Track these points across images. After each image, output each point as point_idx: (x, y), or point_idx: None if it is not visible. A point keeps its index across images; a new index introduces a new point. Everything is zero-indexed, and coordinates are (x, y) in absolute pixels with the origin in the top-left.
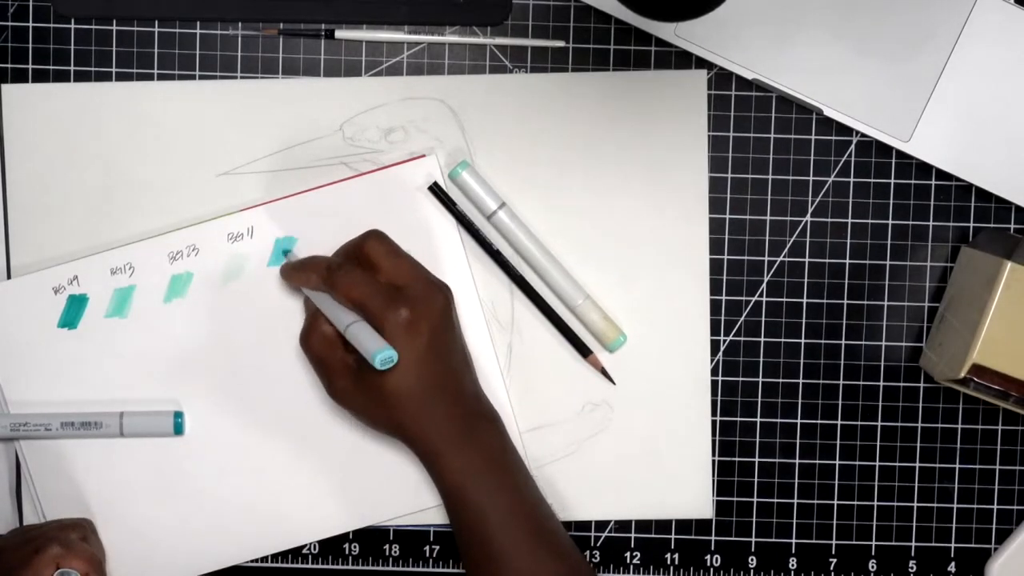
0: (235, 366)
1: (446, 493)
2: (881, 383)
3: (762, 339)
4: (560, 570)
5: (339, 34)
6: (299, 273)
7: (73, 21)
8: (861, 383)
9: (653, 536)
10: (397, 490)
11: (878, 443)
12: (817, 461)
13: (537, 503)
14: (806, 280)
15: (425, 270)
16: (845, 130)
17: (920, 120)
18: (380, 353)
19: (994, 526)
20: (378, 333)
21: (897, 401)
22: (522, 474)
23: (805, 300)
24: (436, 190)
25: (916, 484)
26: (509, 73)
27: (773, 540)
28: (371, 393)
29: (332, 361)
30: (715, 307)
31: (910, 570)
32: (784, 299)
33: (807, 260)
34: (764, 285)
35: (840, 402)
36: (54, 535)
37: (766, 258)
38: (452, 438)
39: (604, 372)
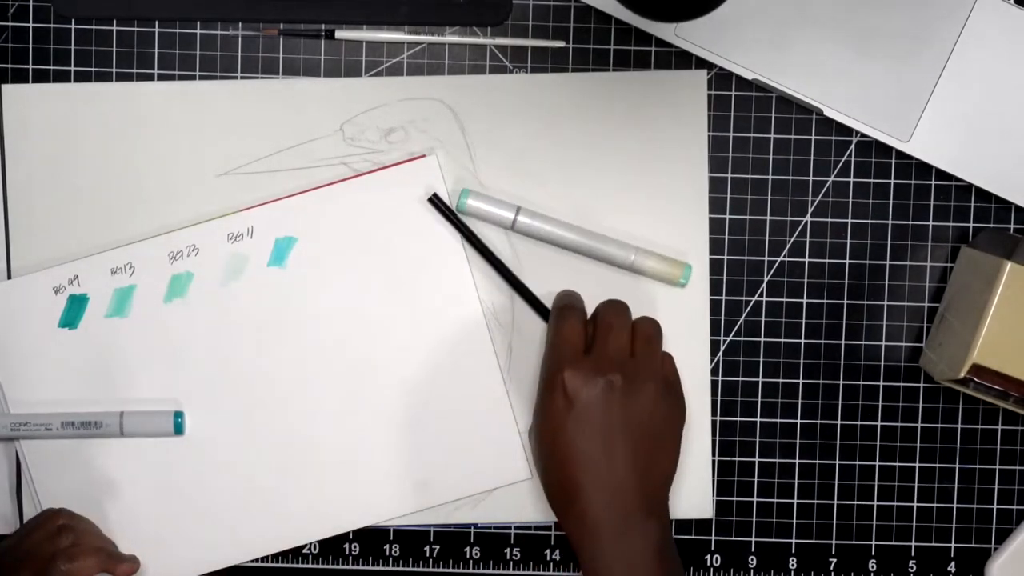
0: (235, 366)
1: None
2: (881, 383)
3: (762, 339)
4: None
5: (339, 34)
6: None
7: (73, 21)
8: (861, 383)
9: None
10: (397, 490)
11: (878, 443)
12: (817, 461)
13: None
14: (806, 280)
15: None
16: (845, 130)
17: (920, 120)
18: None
19: (994, 526)
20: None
21: (897, 401)
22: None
23: (805, 300)
24: (436, 201)
25: (916, 484)
26: (509, 73)
27: (773, 540)
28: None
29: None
30: (715, 307)
31: (910, 570)
32: (784, 299)
33: (807, 260)
34: (764, 285)
35: (840, 402)
36: (50, 552)
37: (766, 258)
38: (641, 563)
39: None
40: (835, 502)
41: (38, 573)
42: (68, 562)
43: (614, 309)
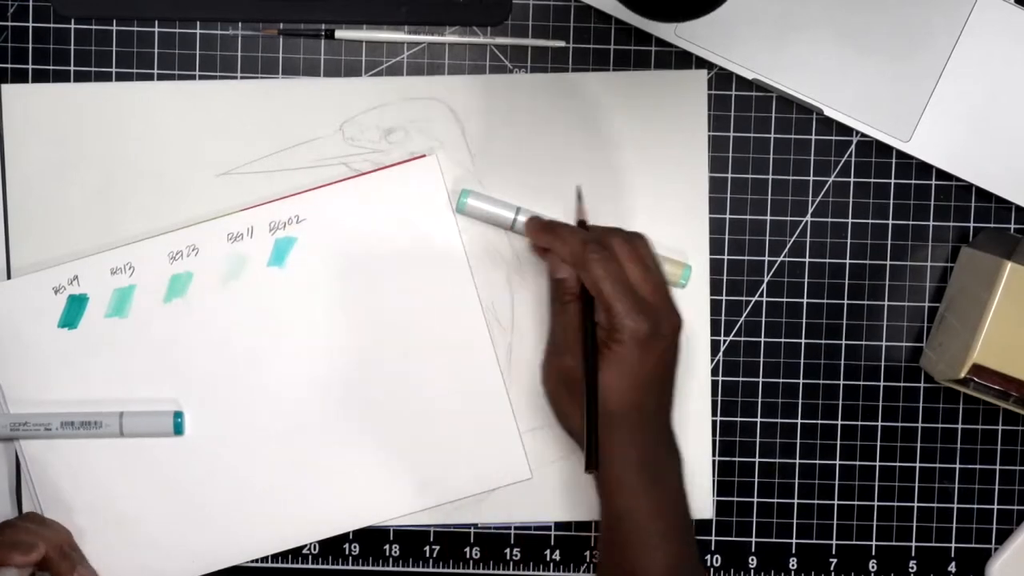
0: (235, 366)
1: (608, 518)
2: (881, 383)
3: (762, 339)
4: None
5: (339, 34)
6: (550, 236)
7: (73, 21)
8: (861, 383)
9: None
10: (397, 490)
11: (878, 443)
12: (817, 461)
13: (696, 562)
14: (806, 280)
15: (670, 292)
16: (845, 130)
17: (920, 120)
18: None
19: (994, 526)
20: (612, 336)
21: (897, 401)
22: (687, 526)
23: (805, 300)
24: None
25: (916, 484)
26: (509, 73)
27: (773, 540)
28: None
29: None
30: (715, 307)
31: (910, 570)
32: (784, 299)
33: (807, 260)
34: (764, 285)
35: (840, 402)
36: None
37: (766, 258)
38: (633, 468)
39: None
40: (835, 502)
41: None
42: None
43: (598, 254)
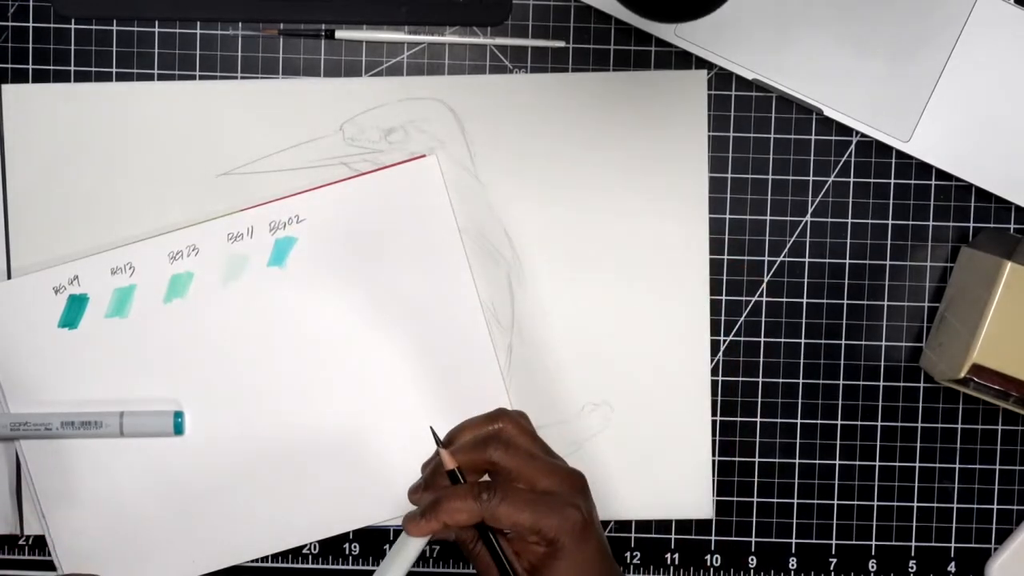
0: (235, 366)
1: None
2: (881, 383)
3: (762, 339)
4: None
5: (339, 34)
6: (440, 517)
7: (73, 21)
8: (861, 383)
9: (653, 536)
10: (397, 490)
11: (878, 443)
12: (817, 461)
13: None
14: (806, 280)
15: (559, 461)
16: (845, 130)
17: (920, 120)
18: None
19: (994, 526)
20: (554, 545)
21: (897, 401)
22: None
23: (805, 300)
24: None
25: (916, 484)
26: (509, 73)
27: (773, 540)
28: None
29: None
30: (715, 307)
31: (910, 570)
32: (784, 299)
33: (807, 260)
34: (764, 285)
35: (840, 402)
36: None
37: (766, 258)
38: None
39: None
40: (835, 502)
41: None
42: None
43: (497, 496)
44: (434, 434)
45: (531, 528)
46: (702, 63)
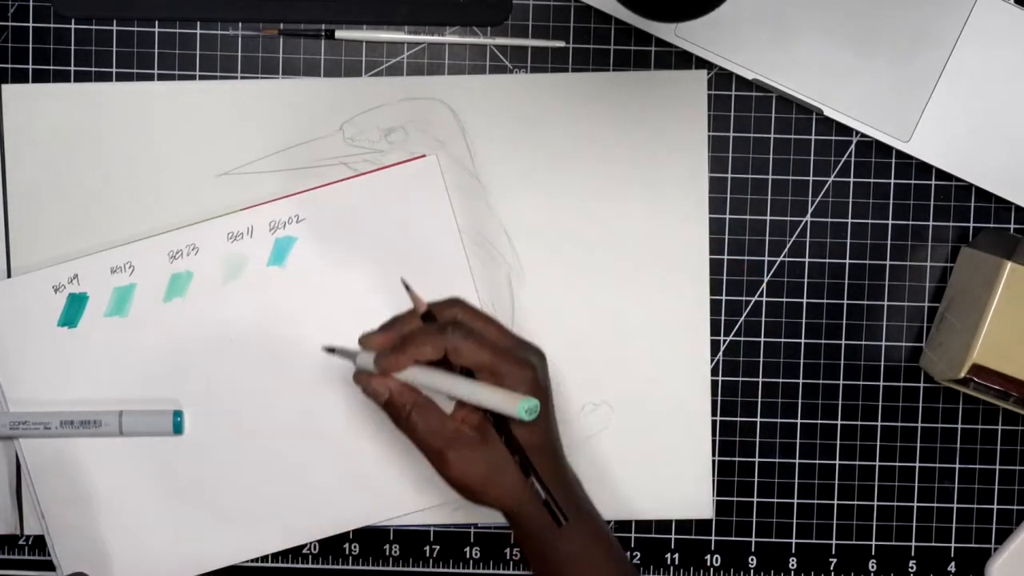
0: (235, 365)
1: (567, 557)
2: (881, 383)
3: (762, 339)
4: None
5: (339, 34)
6: (403, 353)
7: (73, 21)
8: (861, 383)
9: (653, 536)
10: (397, 490)
11: (878, 443)
12: (817, 461)
13: (623, 556)
14: (806, 280)
15: (514, 333)
16: (845, 130)
17: (920, 120)
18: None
19: (994, 526)
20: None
21: (897, 401)
22: (617, 552)
23: (805, 300)
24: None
25: (916, 484)
26: (509, 73)
27: (773, 540)
28: (495, 458)
29: (444, 434)
30: (715, 307)
31: (910, 570)
32: (784, 299)
33: (807, 260)
34: (764, 285)
35: (840, 402)
36: None
37: (766, 258)
38: (570, 503)
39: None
40: (835, 502)
41: None
42: None
43: (458, 333)
44: (404, 283)
45: (489, 368)
46: (702, 63)
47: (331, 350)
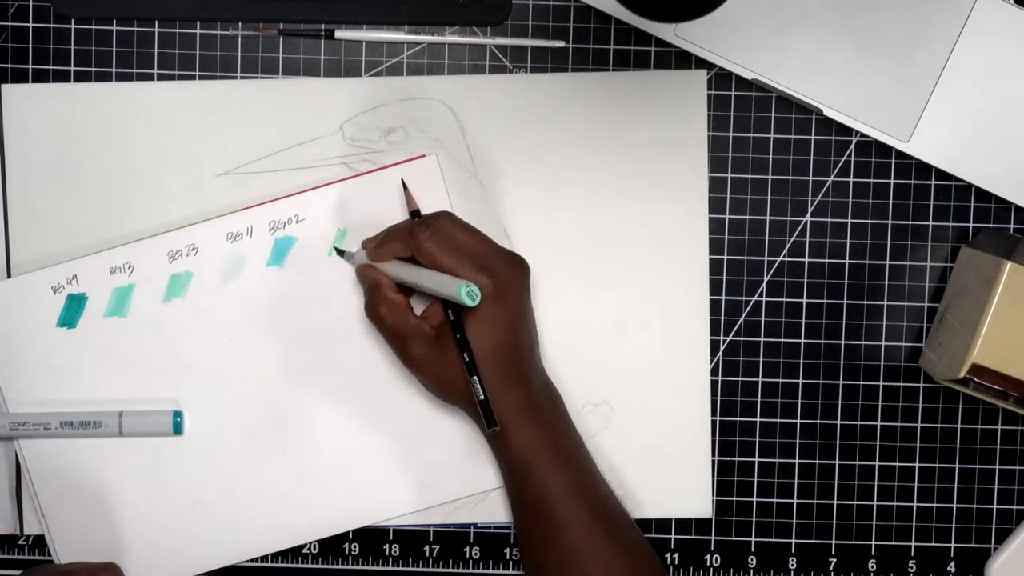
0: (234, 366)
1: (509, 467)
2: (881, 383)
3: (762, 339)
4: (616, 552)
5: (339, 34)
6: (381, 248)
7: (73, 21)
8: (861, 383)
9: (653, 536)
10: (397, 490)
11: (878, 443)
12: (817, 461)
13: (597, 483)
14: (806, 280)
15: (500, 245)
16: (845, 130)
17: (920, 120)
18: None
19: (994, 526)
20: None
21: (897, 401)
22: (583, 453)
23: (805, 300)
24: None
25: (916, 484)
26: (509, 73)
27: (773, 540)
28: (448, 355)
29: (406, 328)
30: (715, 307)
31: (910, 570)
32: (784, 299)
33: (807, 260)
34: (764, 285)
35: (840, 402)
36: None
37: (766, 258)
38: (521, 413)
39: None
40: (835, 502)
41: None
42: None
43: (426, 232)
44: (403, 183)
45: (448, 268)
46: (702, 63)
47: (340, 252)
